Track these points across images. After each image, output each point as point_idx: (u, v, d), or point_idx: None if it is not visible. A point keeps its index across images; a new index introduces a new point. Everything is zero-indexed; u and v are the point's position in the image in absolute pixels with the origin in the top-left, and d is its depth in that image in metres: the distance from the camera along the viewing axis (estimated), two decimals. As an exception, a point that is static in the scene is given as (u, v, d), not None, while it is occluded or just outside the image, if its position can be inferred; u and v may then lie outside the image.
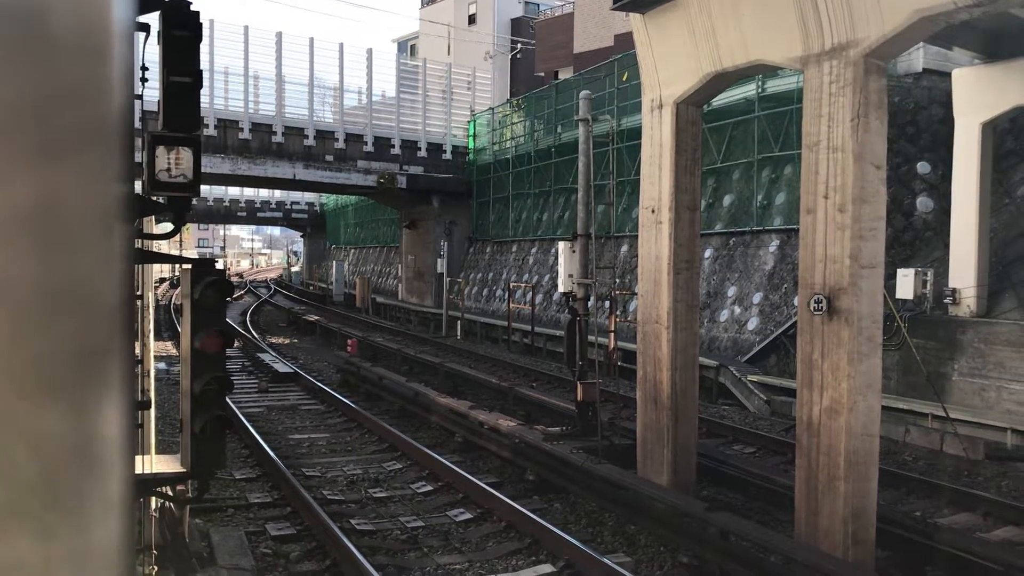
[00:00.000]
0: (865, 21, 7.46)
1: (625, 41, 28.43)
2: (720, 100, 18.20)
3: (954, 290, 14.99)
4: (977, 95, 14.87)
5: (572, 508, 10.15)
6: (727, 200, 21.89)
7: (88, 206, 1.00)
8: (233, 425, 12.57)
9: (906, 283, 15.06)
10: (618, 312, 20.78)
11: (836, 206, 7.70)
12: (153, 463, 5.38)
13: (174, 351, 23.25)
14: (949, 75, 15.98)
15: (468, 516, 9.75)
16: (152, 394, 6.67)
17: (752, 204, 20.56)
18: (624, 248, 24.18)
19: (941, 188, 17.40)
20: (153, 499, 6.41)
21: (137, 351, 6.07)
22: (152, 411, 6.63)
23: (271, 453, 11.86)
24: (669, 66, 10.11)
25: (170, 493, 6.40)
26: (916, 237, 17.59)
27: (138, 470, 4.79)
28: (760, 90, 20.07)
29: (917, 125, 18.40)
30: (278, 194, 58.79)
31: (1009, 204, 16.02)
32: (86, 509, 1.01)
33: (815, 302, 7.84)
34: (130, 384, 1.09)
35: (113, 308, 1.04)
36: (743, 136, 21.40)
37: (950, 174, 15.92)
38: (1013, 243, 15.37)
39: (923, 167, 18.10)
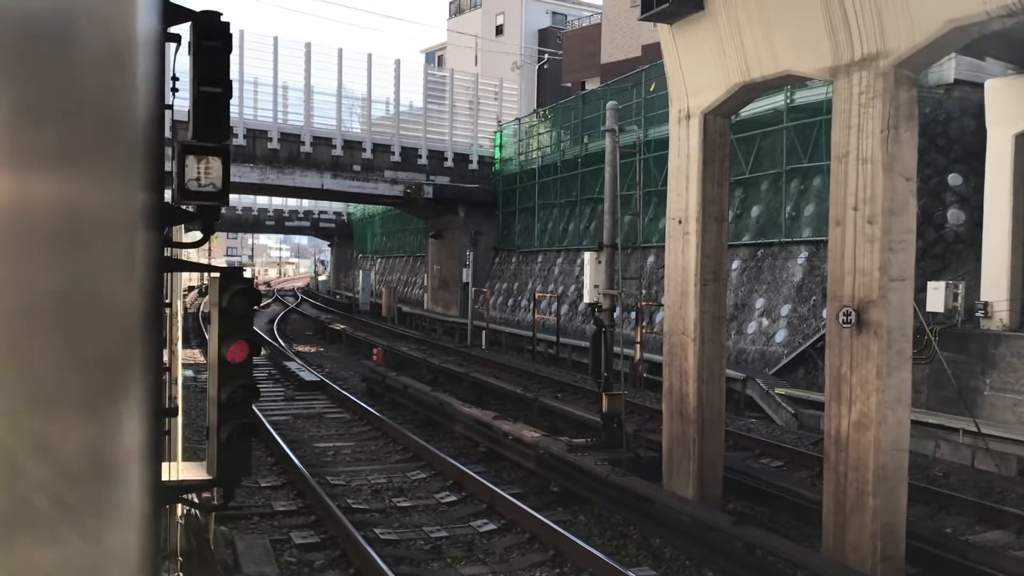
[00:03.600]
0: (896, 31, 7.40)
1: (653, 51, 28.39)
2: (748, 110, 18.10)
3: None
4: (1010, 106, 14.69)
5: (596, 520, 10.10)
6: (755, 211, 21.76)
7: (112, 214, 1.00)
8: (259, 433, 12.65)
9: (937, 296, 14.87)
10: (644, 323, 20.70)
11: (865, 218, 7.62)
12: (180, 470, 5.42)
13: (202, 359, 23.43)
14: (982, 86, 15.81)
15: (492, 527, 9.73)
16: (179, 401, 6.71)
17: (780, 215, 20.42)
18: (651, 259, 24.10)
19: (973, 200, 17.18)
20: (179, 506, 6.44)
21: (165, 359, 6.12)
22: (179, 418, 6.67)
23: (296, 461, 11.91)
24: (697, 77, 10.07)
25: (196, 500, 6.43)
26: (947, 249, 17.38)
27: (164, 477, 4.82)
28: (789, 100, 19.96)
29: (948, 136, 18.20)
30: (306, 203, 59.19)
31: (1042, 216, 15.78)
32: (104, 516, 1.01)
33: (844, 315, 7.76)
34: (152, 391, 1.08)
35: (135, 315, 1.04)
36: (771, 147, 21.27)
37: (982, 186, 15.73)
38: (1047, 256, 15.14)
39: (954, 179, 17.89)
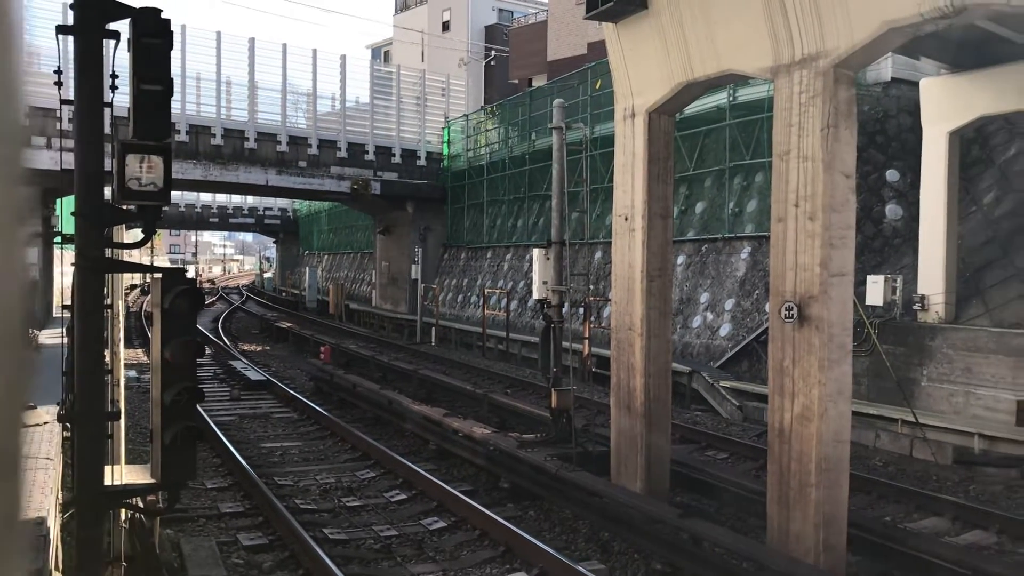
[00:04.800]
0: (834, 32, 7.56)
1: (598, 49, 28.58)
2: (692, 108, 18.32)
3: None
4: (944, 104, 15.08)
5: (546, 515, 10.15)
6: (699, 207, 22.04)
7: None
8: (204, 436, 12.48)
9: (876, 290, 15.22)
10: (592, 318, 20.83)
11: (806, 215, 7.77)
12: (123, 474, 5.33)
13: (145, 359, 23.00)
14: (917, 84, 16.20)
15: (442, 524, 9.73)
16: (122, 404, 6.60)
17: (724, 211, 20.71)
18: (598, 254, 24.27)
19: (910, 195, 17.62)
20: (123, 510, 6.33)
21: (107, 360, 6.00)
22: (122, 421, 6.55)
23: (243, 462, 11.76)
24: (641, 75, 10.17)
25: (140, 504, 6.33)
26: (885, 244, 17.80)
27: (108, 481, 4.74)
28: (731, 98, 20.23)
29: (886, 133, 18.63)
30: (251, 200, 58.48)
31: (976, 211, 16.25)
32: None
33: (786, 310, 7.90)
34: (19, 389, 1.06)
35: (13, 312, 1.02)
36: (715, 144, 21.55)
37: (919, 182, 16.13)
38: (980, 250, 15.59)
39: (892, 175, 18.33)
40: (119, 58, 4.57)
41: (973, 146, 17.03)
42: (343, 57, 33.86)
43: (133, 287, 51.89)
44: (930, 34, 8.23)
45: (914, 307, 15.28)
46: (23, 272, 1.06)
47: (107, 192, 4.57)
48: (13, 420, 1.06)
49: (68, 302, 4.81)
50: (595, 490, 9.78)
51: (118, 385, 6.46)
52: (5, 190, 1.02)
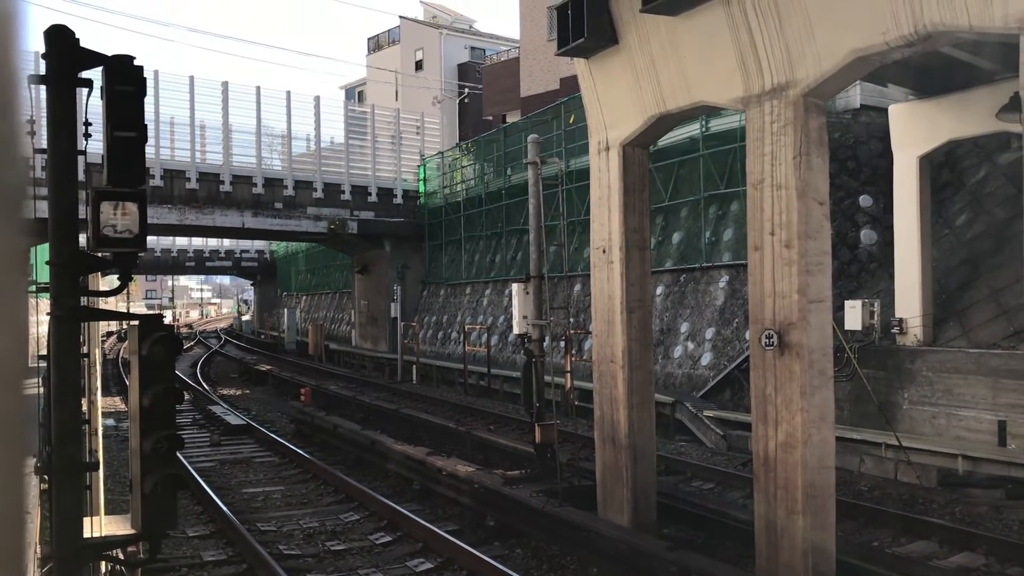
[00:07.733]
0: (802, 62, 7.67)
1: (571, 84, 28.83)
2: (665, 139, 18.49)
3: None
4: (913, 130, 15.31)
5: (534, 553, 10.05)
6: (676, 237, 22.17)
7: None
8: (185, 484, 12.29)
9: (854, 315, 15.32)
10: (574, 351, 20.81)
11: (782, 242, 7.83)
12: (103, 525, 5.23)
13: (123, 406, 22.71)
14: (886, 111, 16.45)
15: (429, 566, 9.61)
16: (100, 454, 6.49)
17: (700, 241, 20.84)
18: (577, 287, 24.30)
19: (883, 220, 17.81)
20: (103, 562, 6.20)
21: (84, 410, 5.92)
22: (101, 472, 6.45)
23: (225, 508, 11.60)
24: (614, 109, 10.26)
25: (120, 556, 6.20)
26: (862, 269, 17.95)
27: (87, 533, 4.65)
28: (704, 129, 20.45)
29: (857, 159, 18.87)
30: (227, 243, 58.22)
31: (948, 234, 16.45)
32: None
33: (766, 337, 7.93)
34: (22, 439, 1.04)
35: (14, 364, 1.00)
36: (689, 174, 21.73)
37: (891, 206, 16.32)
38: (954, 272, 15.76)
39: (865, 200, 18.54)
40: (92, 104, 4.55)
41: (943, 170, 17.27)
42: (317, 98, 34.00)
43: (110, 334, 51.39)
44: (897, 61, 8.36)
45: (892, 331, 15.38)
46: (24, 322, 1.05)
47: (82, 240, 4.53)
48: (16, 471, 1.04)
49: (44, 352, 4.74)
50: (582, 525, 9.71)
51: (96, 434, 6.36)
52: (9, 241, 1.01)
